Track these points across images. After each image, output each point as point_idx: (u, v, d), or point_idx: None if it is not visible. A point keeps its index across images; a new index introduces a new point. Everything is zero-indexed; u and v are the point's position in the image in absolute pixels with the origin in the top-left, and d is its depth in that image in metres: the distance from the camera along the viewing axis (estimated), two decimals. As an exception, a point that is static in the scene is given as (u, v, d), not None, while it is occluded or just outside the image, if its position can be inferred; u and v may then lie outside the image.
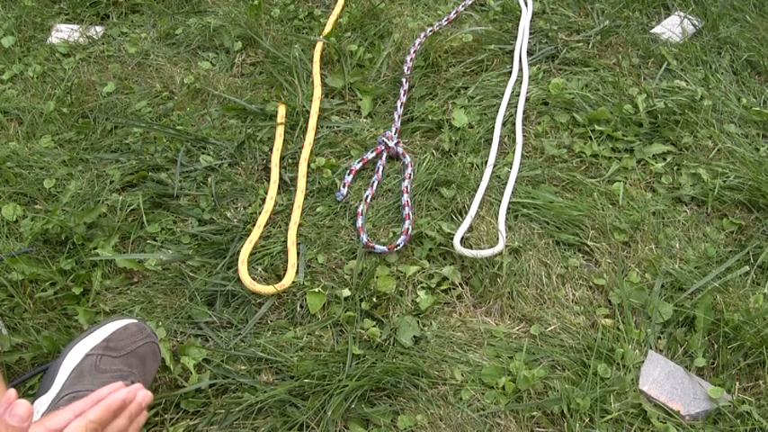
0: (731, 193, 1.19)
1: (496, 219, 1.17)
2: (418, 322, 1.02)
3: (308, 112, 1.37)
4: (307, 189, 1.23)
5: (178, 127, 1.34)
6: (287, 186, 1.24)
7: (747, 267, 1.08)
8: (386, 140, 1.28)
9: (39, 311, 1.04)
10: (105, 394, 0.60)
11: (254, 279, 1.08)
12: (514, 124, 1.34)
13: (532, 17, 1.61)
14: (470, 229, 1.16)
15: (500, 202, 1.19)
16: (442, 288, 1.07)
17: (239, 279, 1.07)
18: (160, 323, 1.03)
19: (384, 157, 1.27)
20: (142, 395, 0.63)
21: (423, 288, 1.07)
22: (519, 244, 1.12)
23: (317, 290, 1.05)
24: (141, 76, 1.50)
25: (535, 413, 0.92)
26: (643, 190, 1.22)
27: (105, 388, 0.61)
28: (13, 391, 0.55)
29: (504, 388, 0.94)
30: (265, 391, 0.93)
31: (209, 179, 1.25)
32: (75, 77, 1.47)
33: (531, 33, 1.56)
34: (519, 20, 1.59)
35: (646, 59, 1.50)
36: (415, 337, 1.01)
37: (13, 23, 1.62)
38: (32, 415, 0.54)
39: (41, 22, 1.64)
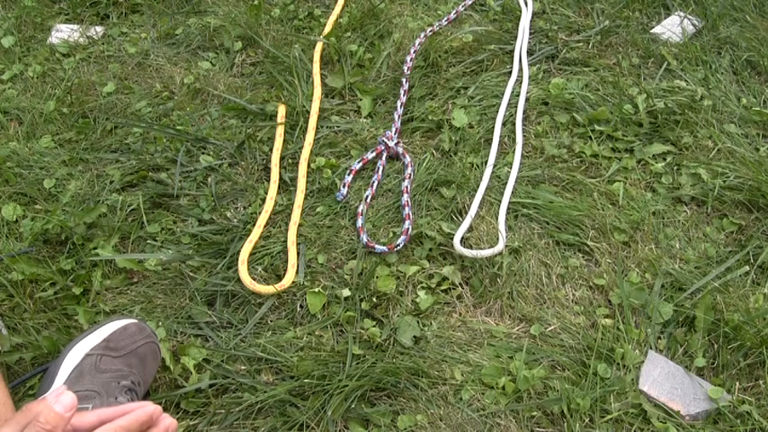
0: (731, 193, 1.19)
1: (496, 219, 1.17)
2: (418, 322, 1.02)
3: (308, 112, 1.37)
4: (307, 189, 1.23)
5: (178, 127, 1.34)
6: (287, 186, 1.25)
7: (747, 267, 1.08)
8: (386, 140, 1.28)
9: (39, 311, 1.04)
10: (134, 408, 0.62)
11: (254, 279, 1.08)
12: (514, 124, 1.34)
13: (532, 17, 1.61)
14: (470, 229, 1.16)
15: (500, 202, 1.19)
16: (442, 288, 1.07)
17: (239, 279, 1.07)
18: (160, 323, 1.03)
19: (384, 157, 1.27)
20: (170, 421, 0.64)
21: (423, 288, 1.07)
22: (519, 244, 1.12)
23: (316, 290, 1.05)
24: (141, 76, 1.50)
25: (535, 413, 0.92)
26: (643, 190, 1.22)
27: (134, 403, 0.63)
28: (63, 386, 0.60)
29: (504, 388, 0.94)
30: (265, 391, 0.93)
31: (209, 179, 1.25)
32: (76, 77, 1.47)
33: (531, 33, 1.56)
34: (519, 20, 1.59)
35: (646, 59, 1.50)
36: (415, 337, 1.01)
37: (13, 23, 1.62)
38: (76, 407, 0.57)
39: (41, 22, 1.64)
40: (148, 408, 0.62)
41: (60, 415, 0.55)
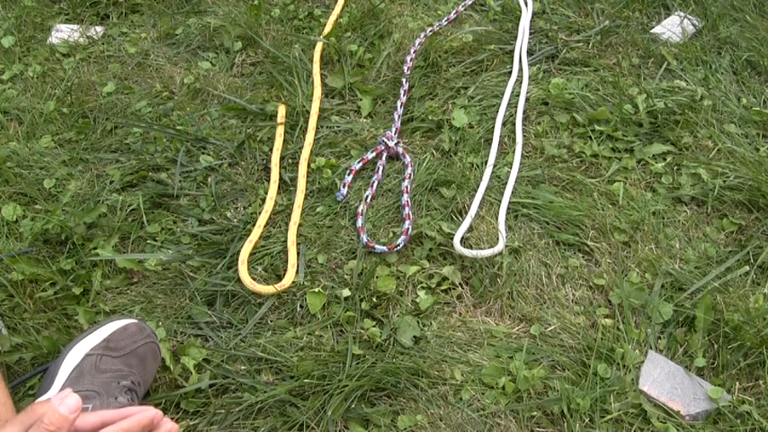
0: (731, 193, 1.19)
1: (496, 219, 1.17)
2: (418, 322, 1.02)
3: (308, 112, 1.37)
4: (307, 189, 1.23)
5: (178, 127, 1.34)
6: (287, 186, 1.25)
7: (747, 267, 1.08)
8: (386, 140, 1.28)
9: (39, 311, 1.04)
10: (135, 411, 0.62)
11: (254, 279, 1.08)
12: (514, 124, 1.34)
13: (532, 17, 1.61)
14: (470, 229, 1.16)
15: (500, 202, 1.19)
16: (442, 288, 1.07)
17: (239, 279, 1.07)
18: (160, 323, 1.03)
19: (384, 157, 1.27)
20: (171, 425, 0.64)
21: (423, 288, 1.07)
22: (519, 244, 1.12)
23: (316, 290, 1.05)
24: (141, 76, 1.50)
25: (535, 413, 0.92)
26: (643, 190, 1.22)
27: (136, 407, 0.63)
28: (69, 388, 0.60)
29: (504, 388, 0.94)
30: (265, 391, 0.93)
31: (209, 179, 1.25)
32: (75, 77, 1.47)
33: (531, 33, 1.56)
34: (519, 20, 1.59)
35: (646, 59, 1.50)
36: (415, 337, 1.01)
37: (13, 23, 1.62)
38: (80, 409, 0.57)
39: (41, 22, 1.64)
40: (150, 411, 0.62)
41: (65, 417, 0.55)
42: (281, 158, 1.29)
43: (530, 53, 1.52)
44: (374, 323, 1.03)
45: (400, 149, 1.27)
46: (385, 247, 1.11)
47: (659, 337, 1.01)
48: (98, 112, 1.39)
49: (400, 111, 1.36)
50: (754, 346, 0.96)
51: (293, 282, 1.07)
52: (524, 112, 1.37)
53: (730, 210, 1.18)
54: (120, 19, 1.67)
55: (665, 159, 1.27)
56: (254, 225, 1.16)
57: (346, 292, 1.06)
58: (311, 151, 1.30)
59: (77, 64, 1.52)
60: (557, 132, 1.33)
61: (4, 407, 0.79)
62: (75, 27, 1.63)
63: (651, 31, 1.56)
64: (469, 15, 1.64)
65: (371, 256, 1.12)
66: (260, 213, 1.18)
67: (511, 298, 1.06)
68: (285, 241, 1.14)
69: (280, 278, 1.09)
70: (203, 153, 1.30)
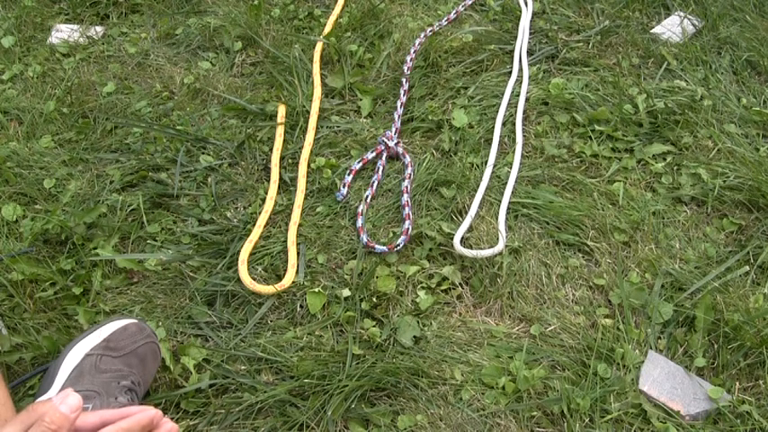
0: (731, 193, 1.19)
1: (496, 219, 1.17)
2: (418, 322, 1.02)
3: (308, 112, 1.37)
4: (307, 189, 1.23)
5: (178, 127, 1.34)
6: (287, 186, 1.25)
7: (747, 267, 1.08)
8: (386, 140, 1.28)
9: (39, 311, 1.04)
10: (135, 411, 0.62)
11: (254, 279, 1.08)
12: (514, 124, 1.34)
13: (532, 17, 1.61)
14: (470, 229, 1.16)
15: (500, 202, 1.19)
16: (442, 288, 1.07)
17: (239, 279, 1.07)
18: (160, 323, 1.03)
19: (384, 157, 1.27)
20: (170, 425, 0.64)
21: (423, 288, 1.07)
22: (519, 244, 1.12)
23: (316, 290, 1.05)
24: (141, 76, 1.50)
25: (535, 413, 0.92)
26: (643, 190, 1.22)
27: (136, 407, 0.63)
28: (70, 388, 0.60)
29: (504, 388, 0.94)
30: (265, 391, 0.93)
31: (209, 179, 1.25)
32: (75, 77, 1.47)
33: (531, 33, 1.56)
34: (519, 20, 1.59)
35: (646, 59, 1.50)
36: (415, 337, 1.01)
37: (13, 23, 1.62)
38: (81, 409, 0.57)
39: (41, 22, 1.64)
40: (150, 411, 0.62)
41: (66, 416, 0.55)
42: (281, 158, 1.29)
43: (530, 53, 1.52)
44: (374, 323, 1.03)
45: (400, 149, 1.27)
46: (385, 247, 1.11)
47: (659, 337, 1.01)
48: (98, 112, 1.39)
49: (400, 111, 1.36)
50: (754, 346, 0.96)
51: (293, 282, 1.07)
52: (524, 112, 1.37)
53: (730, 210, 1.18)
54: (120, 19, 1.67)
55: (665, 159, 1.27)
56: (254, 225, 1.16)
57: (346, 292, 1.06)
58: (311, 151, 1.30)
59: (77, 64, 1.52)
60: (557, 132, 1.33)
61: (4, 407, 0.79)
62: (75, 27, 1.63)
63: (651, 31, 1.56)
64: (469, 15, 1.64)
65: (371, 256, 1.12)
66: (260, 213, 1.18)
67: (511, 298, 1.06)
68: (285, 241, 1.14)
69: (280, 278, 1.09)
70: (203, 153, 1.30)
